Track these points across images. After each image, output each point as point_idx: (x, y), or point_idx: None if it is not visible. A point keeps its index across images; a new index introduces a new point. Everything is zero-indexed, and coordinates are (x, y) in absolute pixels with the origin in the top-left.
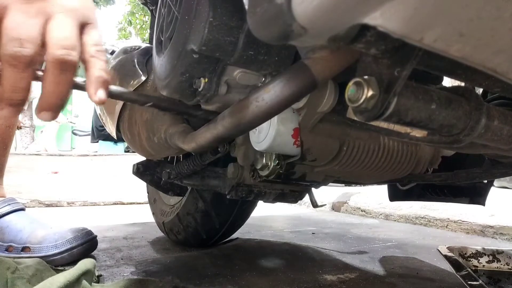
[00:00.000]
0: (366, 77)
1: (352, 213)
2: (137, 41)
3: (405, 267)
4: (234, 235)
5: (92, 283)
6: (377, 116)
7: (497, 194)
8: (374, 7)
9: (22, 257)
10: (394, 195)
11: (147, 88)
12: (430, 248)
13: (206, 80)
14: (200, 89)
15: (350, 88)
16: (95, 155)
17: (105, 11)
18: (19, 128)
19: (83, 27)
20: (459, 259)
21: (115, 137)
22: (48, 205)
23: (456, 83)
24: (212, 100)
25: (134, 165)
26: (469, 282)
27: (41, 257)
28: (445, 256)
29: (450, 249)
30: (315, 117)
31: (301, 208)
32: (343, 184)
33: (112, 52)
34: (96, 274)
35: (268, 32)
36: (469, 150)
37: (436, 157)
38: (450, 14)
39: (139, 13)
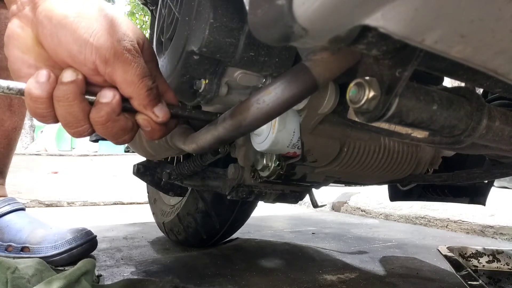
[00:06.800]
0: (367, 78)
1: (352, 213)
2: None
3: (405, 267)
4: (234, 235)
5: (92, 283)
6: (378, 117)
7: (497, 194)
8: (375, 8)
9: (21, 257)
10: (395, 195)
11: None
12: (430, 248)
13: (207, 81)
14: (200, 90)
15: (351, 89)
16: (95, 155)
17: None
18: None
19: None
20: (459, 259)
21: None
22: (48, 205)
23: (456, 83)
24: (212, 101)
25: (134, 165)
26: (469, 282)
27: (40, 258)
28: (445, 256)
29: (450, 249)
30: (316, 119)
31: (301, 208)
32: (344, 185)
33: None
34: (96, 274)
35: (269, 33)
36: (470, 151)
37: (436, 158)
38: (451, 15)
39: (139, 13)
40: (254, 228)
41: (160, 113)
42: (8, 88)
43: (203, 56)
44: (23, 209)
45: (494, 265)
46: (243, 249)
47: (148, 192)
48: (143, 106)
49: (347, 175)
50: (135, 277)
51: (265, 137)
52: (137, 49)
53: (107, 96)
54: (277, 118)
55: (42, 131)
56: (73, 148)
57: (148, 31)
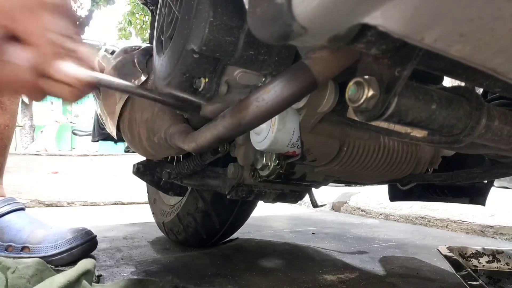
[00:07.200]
0: (366, 77)
1: (352, 213)
2: (137, 41)
3: (405, 267)
4: (234, 235)
5: (92, 283)
6: (377, 116)
7: (497, 194)
8: (375, 7)
9: (21, 257)
10: (394, 195)
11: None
12: (430, 248)
13: (207, 80)
14: (200, 89)
15: (351, 88)
16: (95, 155)
17: (105, 11)
18: None
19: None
20: (459, 259)
21: (115, 137)
22: (48, 205)
23: (456, 83)
24: (212, 100)
25: (134, 165)
26: (469, 282)
27: (40, 258)
28: (445, 256)
29: (450, 249)
30: (315, 117)
31: (301, 208)
32: (343, 184)
33: (113, 52)
34: (96, 274)
35: (268, 32)
36: (469, 150)
37: (436, 157)
38: (451, 14)
39: (139, 13)
40: (254, 228)
41: (66, 70)
42: None
43: (203, 54)
44: (23, 209)
45: (494, 265)
46: (243, 249)
47: (148, 192)
48: (47, 57)
49: (347, 174)
50: (135, 277)
51: (264, 136)
52: (65, 8)
53: (22, 58)
54: (276, 117)
55: (42, 131)
56: (73, 148)
57: (148, 31)
